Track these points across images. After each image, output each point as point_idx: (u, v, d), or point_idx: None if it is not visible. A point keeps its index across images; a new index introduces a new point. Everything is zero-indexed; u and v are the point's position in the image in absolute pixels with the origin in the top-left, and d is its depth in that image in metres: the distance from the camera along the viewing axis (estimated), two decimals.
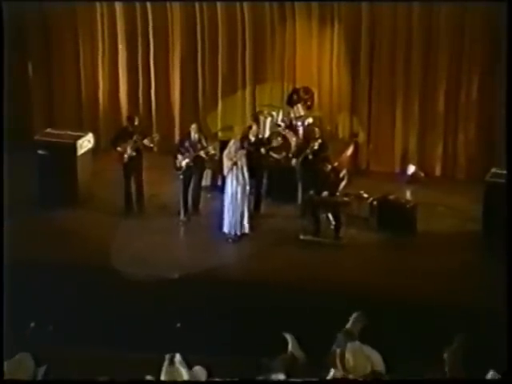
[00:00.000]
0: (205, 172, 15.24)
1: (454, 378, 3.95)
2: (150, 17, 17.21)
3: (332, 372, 6.52)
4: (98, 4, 17.37)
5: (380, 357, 6.76)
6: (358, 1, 16.12)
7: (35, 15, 17.51)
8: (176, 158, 14.67)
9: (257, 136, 14.91)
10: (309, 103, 16.19)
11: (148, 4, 17.12)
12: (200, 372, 6.41)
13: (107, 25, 17.48)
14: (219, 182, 15.52)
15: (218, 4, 16.81)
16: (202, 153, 14.68)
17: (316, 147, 14.91)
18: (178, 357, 6.41)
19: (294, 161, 15.08)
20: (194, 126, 14.89)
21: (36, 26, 17.65)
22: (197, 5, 16.89)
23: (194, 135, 14.75)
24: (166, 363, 6.39)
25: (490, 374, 6.38)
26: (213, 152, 14.92)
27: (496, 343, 8.84)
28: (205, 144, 14.77)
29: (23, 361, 6.64)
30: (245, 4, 16.71)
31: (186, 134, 15.13)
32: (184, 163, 14.62)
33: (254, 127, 14.99)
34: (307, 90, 16.30)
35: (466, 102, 16.15)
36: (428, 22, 16.02)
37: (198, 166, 14.80)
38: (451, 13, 15.76)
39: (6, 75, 16.47)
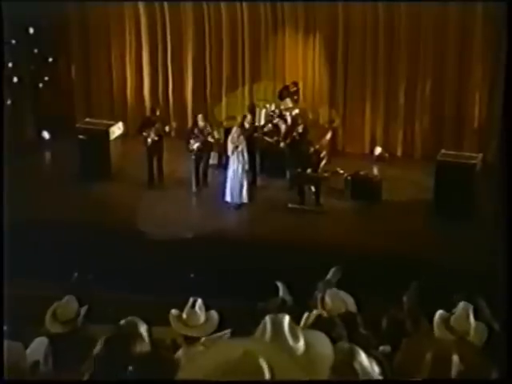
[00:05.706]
0: (212, 153, 15.24)
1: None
2: (167, 22, 17.09)
3: (314, 312, 6.50)
4: (126, 11, 17.24)
5: (353, 300, 6.79)
6: (336, 1, 16.02)
7: (77, 20, 17.38)
8: (188, 142, 14.66)
9: (252, 124, 14.90)
10: (296, 97, 16.20)
11: (166, 12, 16.99)
12: (214, 315, 6.39)
13: (134, 33, 17.39)
14: (224, 162, 15.54)
15: (223, 14, 16.72)
16: (210, 138, 14.68)
17: (300, 130, 15.04)
18: (199, 301, 6.35)
19: (282, 144, 15.14)
20: (200, 116, 14.84)
21: (77, 31, 17.53)
22: (206, 15, 16.78)
23: (201, 123, 14.70)
24: (188, 305, 6.35)
25: (438, 314, 6.38)
26: (217, 136, 14.93)
27: (446, 288, 8.86)
28: (210, 130, 14.77)
29: (69, 302, 6.69)
30: (244, 14, 16.62)
31: (193, 123, 15.12)
32: (195, 146, 14.59)
33: (249, 117, 14.97)
34: (295, 83, 16.31)
35: (421, 98, 16.14)
36: (390, 32, 16.00)
37: (206, 148, 14.78)
38: (409, 20, 15.73)
39: (54, 77, 16.44)
